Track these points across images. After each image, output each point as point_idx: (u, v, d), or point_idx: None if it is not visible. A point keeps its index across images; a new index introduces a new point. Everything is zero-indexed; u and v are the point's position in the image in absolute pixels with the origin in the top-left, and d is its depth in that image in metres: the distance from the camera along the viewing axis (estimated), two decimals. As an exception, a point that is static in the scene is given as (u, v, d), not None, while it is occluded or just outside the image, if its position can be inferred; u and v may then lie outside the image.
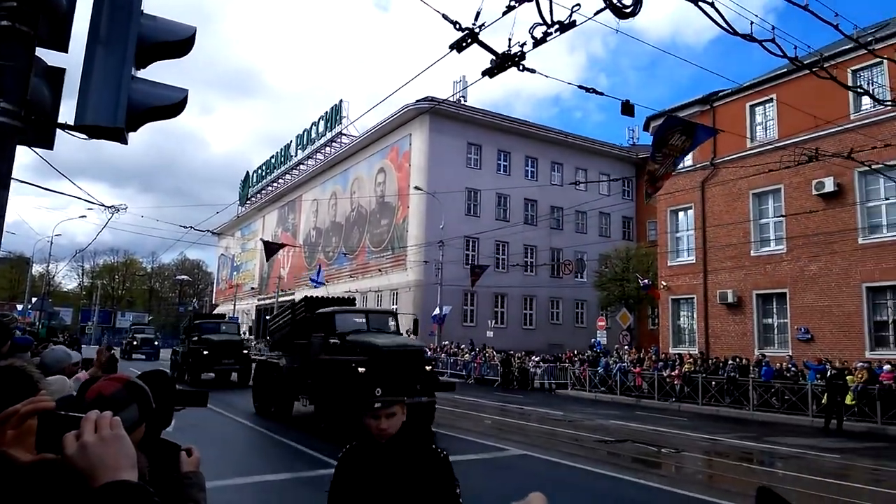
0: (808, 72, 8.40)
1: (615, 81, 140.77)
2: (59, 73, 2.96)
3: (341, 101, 44.77)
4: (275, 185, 56.77)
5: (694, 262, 24.99)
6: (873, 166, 13.16)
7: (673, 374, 20.66)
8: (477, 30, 5.86)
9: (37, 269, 56.42)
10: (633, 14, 5.30)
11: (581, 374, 24.21)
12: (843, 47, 16.73)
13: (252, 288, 60.30)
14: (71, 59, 3.06)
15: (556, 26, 5.64)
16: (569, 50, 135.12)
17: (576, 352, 27.81)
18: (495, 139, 37.29)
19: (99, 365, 5.38)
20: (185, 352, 22.80)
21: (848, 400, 15.55)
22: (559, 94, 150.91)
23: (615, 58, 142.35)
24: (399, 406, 2.47)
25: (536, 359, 27.28)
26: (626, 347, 25.90)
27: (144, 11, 3.08)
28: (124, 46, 2.93)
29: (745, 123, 23.08)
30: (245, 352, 22.62)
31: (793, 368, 18.70)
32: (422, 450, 2.42)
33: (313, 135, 48.00)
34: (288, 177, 54.17)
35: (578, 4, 5.62)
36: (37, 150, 4.49)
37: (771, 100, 22.65)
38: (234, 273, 66.91)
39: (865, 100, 18.35)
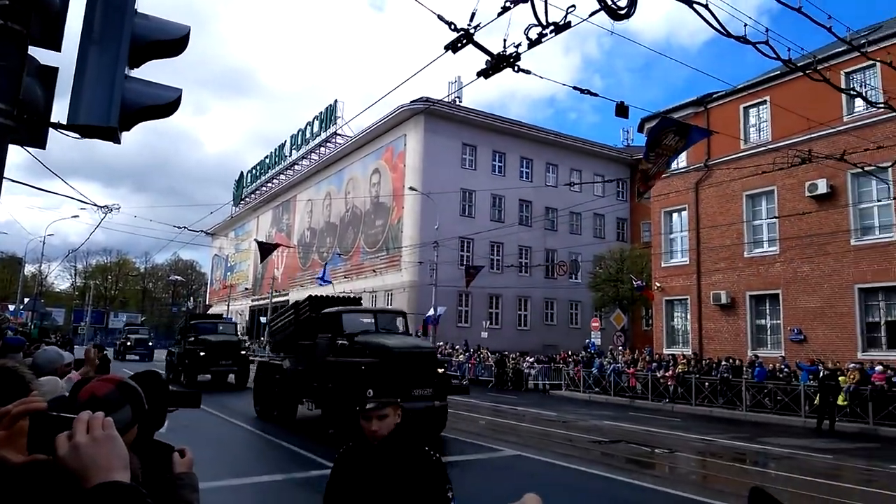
0: (801, 74, 8.44)
1: (610, 83, 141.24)
2: (51, 72, 2.95)
3: (336, 101, 44.77)
4: (269, 185, 56.65)
5: (687, 263, 25.08)
6: (866, 168, 13.23)
7: (667, 374, 20.72)
8: (472, 30, 5.86)
9: (29, 269, 56.10)
10: (628, 16, 5.31)
11: (575, 375, 24.25)
12: (836, 50, 16.85)
13: (246, 288, 60.15)
14: (64, 58, 3.04)
15: (551, 27, 5.65)
16: (564, 51, 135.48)
17: (570, 353, 27.86)
18: (490, 140, 37.33)
19: (91, 365, 5.35)
20: (181, 353, 22.38)
21: (840, 401, 15.63)
22: (554, 95, 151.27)
23: (610, 59, 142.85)
24: (391, 408, 2.47)
25: (531, 360, 27.32)
26: (620, 348, 25.98)
27: (138, 10, 3.07)
28: (118, 45, 2.92)
29: (738, 125, 23.18)
30: (243, 353, 22.23)
31: (785, 369, 18.79)
32: (414, 452, 2.42)
33: (308, 135, 47.94)
34: (282, 177, 54.07)
35: (573, 6, 5.64)
36: (29, 149, 4.47)
37: (764, 102, 22.76)
38: (228, 273, 66.71)
39: (858, 102, 18.45)
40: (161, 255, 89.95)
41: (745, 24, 6.75)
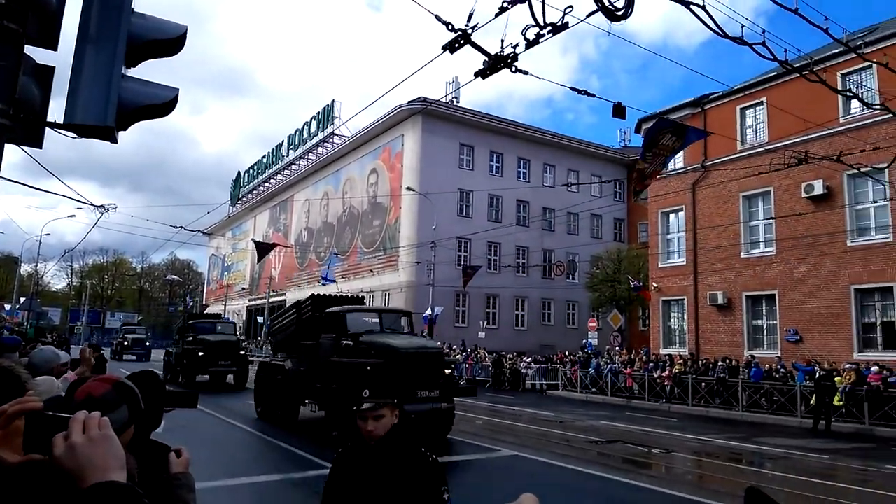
0: (798, 75, 8.47)
1: (607, 83, 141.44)
2: (48, 72, 2.94)
3: (333, 101, 44.76)
4: (266, 185, 56.59)
5: (684, 263, 25.12)
6: (862, 169, 13.26)
7: (663, 375, 20.75)
8: (470, 31, 5.86)
9: (25, 268, 55.97)
10: (625, 17, 5.32)
11: (572, 375, 24.27)
12: (833, 51, 16.89)
13: (243, 288, 60.06)
14: (60, 58, 3.04)
15: (549, 28, 5.66)
16: (561, 52, 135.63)
17: (567, 353, 27.88)
18: (488, 140, 37.34)
19: (87, 365, 5.33)
20: (180, 353, 22.02)
21: (836, 401, 15.66)
22: (551, 96, 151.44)
23: (607, 60, 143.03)
24: (388, 409, 2.47)
25: (528, 360, 27.32)
26: (616, 348, 26.00)
27: (135, 9, 3.06)
28: (114, 45, 2.92)
29: (735, 126, 23.23)
30: (242, 353, 21.91)
31: (782, 369, 18.83)
32: (410, 453, 2.41)
33: (305, 135, 47.91)
34: (279, 177, 54.01)
35: (571, 6, 5.64)
36: (26, 148, 4.46)
37: (761, 103, 22.81)
38: (225, 273, 66.61)
39: (854, 103, 18.51)
40: (158, 255, 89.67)
41: (742, 26, 6.77)
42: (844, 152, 11.94)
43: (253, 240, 42.14)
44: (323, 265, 43.86)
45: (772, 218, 21.77)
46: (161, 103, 3.14)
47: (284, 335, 14.63)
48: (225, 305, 56.22)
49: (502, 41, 6.05)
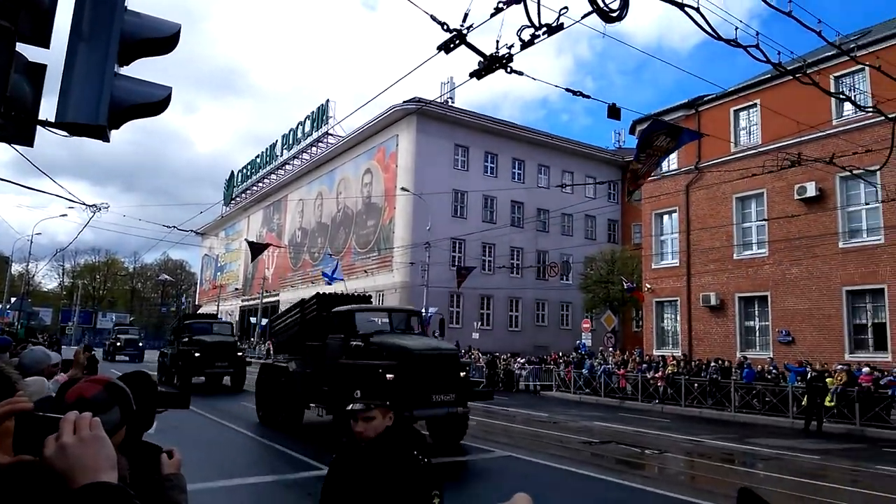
0: (791, 78, 8.51)
1: (602, 85, 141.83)
2: (40, 69, 2.92)
3: (328, 100, 44.68)
4: (260, 185, 56.42)
5: (678, 264, 25.21)
6: (854, 171, 13.33)
7: (656, 375, 20.81)
8: (465, 31, 5.86)
9: (16, 268, 55.52)
10: (620, 18, 5.33)
11: (566, 376, 24.31)
12: (826, 54, 17.01)
13: (236, 289, 59.87)
14: (52, 55, 3.01)
15: (544, 29, 5.66)
16: (556, 53, 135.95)
17: (561, 354, 27.92)
18: (482, 141, 37.37)
19: (80, 368, 5.30)
20: (175, 354, 21.47)
21: (827, 402, 15.75)
22: (546, 97, 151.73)
23: (602, 61, 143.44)
24: (380, 411, 2.46)
25: (522, 360, 27.35)
26: (610, 349, 26.06)
27: (128, 8, 3.05)
28: (107, 43, 2.90)
29: (729, 128, 23.34)
30: (239, 354, 21.23)
31: (774, 370, 18.92)
32: (402, 456, 2.39)
33: (299, 135, 47.80)
34: (273, 177, 53.87)
35: (566, 7, 5.65)
36: (17, 147, 4.42)
37: (755, 105, 22.92)
38: (218, 274, 66.38)
39: (847, 106, 18.63)
40: (150, 255, 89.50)
41: (736, 28, 6.80)
42: (837, 154, 12.01)
43: (246, 240, 42.06)
44: (318, 265, 43.81)
45: (765, 220, 21.88)
46: (154, 102, 3.13)
47: (287, 336, 14.13)
48: (218, 306, 56.00)
49: (497, 42, 6.05)
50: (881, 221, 19.30)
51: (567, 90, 7.58)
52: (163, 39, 3.18)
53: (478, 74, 6.26)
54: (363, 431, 2.43)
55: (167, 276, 78.43)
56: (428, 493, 2.30)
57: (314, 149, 46.61)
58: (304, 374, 12.03)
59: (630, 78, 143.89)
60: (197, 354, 19.87)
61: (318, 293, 13.46)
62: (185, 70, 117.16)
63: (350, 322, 11.29)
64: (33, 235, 39.90)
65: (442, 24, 5.81)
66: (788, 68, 8.08)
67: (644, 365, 22.21)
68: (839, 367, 16.89)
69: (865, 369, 16.43)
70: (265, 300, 48.39)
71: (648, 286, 26.18)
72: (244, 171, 58.90)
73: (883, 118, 9.68)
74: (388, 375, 9.31)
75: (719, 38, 6.37)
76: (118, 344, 38.44)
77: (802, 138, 19.18)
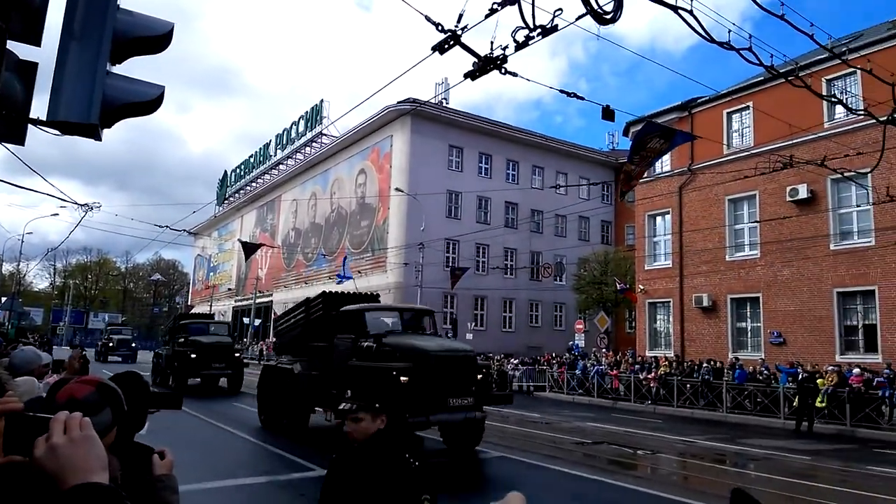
0: (783, 80, 8.56)
1: (595, 86, 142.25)
2: (31, 68, 2.90)
3: (322, 101, 44.60)
4: (253, 184, 56.25)
5: (670, 266, 25.30)
6: (845, 174, 13.43)
7: (649, 376, 20.87)
8: (459, 32, 5.86)
9: (7, 267, 55.12)
10: (614, 20, 5.34)
11: (559, 377, 24.35)
12: (818, 57, 17.10)
13: (229, 289, 59.65)
14: (44, 54, 2.99)
15: (538, 30, 5.67)
16: (550, 54, 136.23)
17: (554, 354, 27.97)
18: (477, 142, 37.40)
19: (72, 372, 5.27)
20: (170, 355, 20.93)
21: (818, 402, 15.85)
22: (540, 99, 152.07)
23: (596, 63, 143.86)
24: (368, 414, 2.46)
25: (515, 361, 27.37)
26: (603, 350, 26.11)
27: (121, 6, 3.03)
28: (99, 41, 2.88)
29: (722, 130, 23.45)
30: (237, 356, 20.74)
31: (765, 371, 19.02)
32: (392, 458, 2.38)
33: (293, 135, 47.68)
34: (267, 177, 53.72)
35: (560, 9, 5.66)
36: (8, 145, 4.39)
37: (747, 107, 23.05)
38: (211, 274, 66.11)
39: (839, 109, 18.77)
40: (142, 255, 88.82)
41: (729, 31, 6.84)
42: (828, 157, 12.09)
43: (239, 240, 41.89)
44: (311, 265, 43.72)
45: (757, 221, 21.99)
46: (146, 101, 3.11)
47: (291, 336, 13.58)
48: (211, 306, 55.79)
49: (492, 43, 6.06)
50: (872, 223, 19.44)
51: (561, 91, 7.60)
52: (156, 38, 3.16)
53: (472, 75, 6.26)
54: (351, 432, 2.45)
55: (160, 276, 77.98)
56: (418, 496, 2.29)
57: (308, 149, 46.51)
58: (309, 376, 11.46)
59: (624, 80, 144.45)
60: (193, 355, 19.39)
61: (324, 292, 12.89)
62: (178, 69, 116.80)
63: (360, 322, 10.78)
64: (24, 235, 39.62)
65: (436, 24, 5.82)
66: (781, 71, 8.12)
67: (637, 366, 22.28)
68: (830, 368, 16.99)
69: (856, 370, 16.54)
70: (258, 301, 48.24)
71: (641, 287, 26.27)
72: (237, 170, 58.69)
73: (874, 121, 9.75)
74: (402, 378, 8.94)
75: (712, 40, 6.40)
76: (111, 344, 37.93)
77: (794, 141, 19.30)
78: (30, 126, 2.91)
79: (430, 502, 2.30)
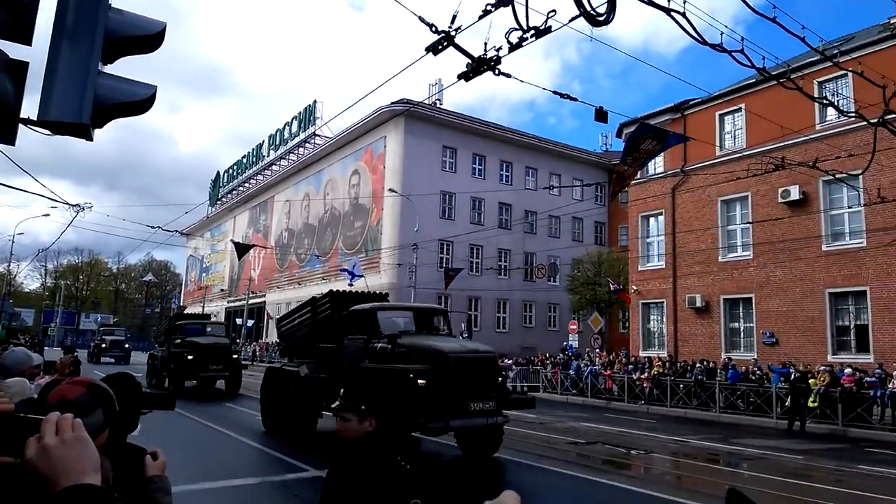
0: (775, 83, 8.61)
1: (589, 88, 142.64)
2: (21, 67, 2.87)
3: (315, 101, 44.58)
4: (246, 185, 56.09)
5: (664, 267, 25.39)
6: (837, 175, 13.51)
7: (642, 377, 20.93)
8: (453, 33, 5.87)
9: (-3, 268, 54.72)
10: (607, 22, 5.36)
11: (553, 377, 24.38)
12: (810, 59, 17.20)
13: (221, 290, 59.42)
14: (35, 53, 2.98)
15: (532, 31, 5.68)
16: (543, 56, 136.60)
17: (548, 355, 28.01)
18: (470, 143, 37.43)
19: (63, 374, 5.24)
20: (166, 356, 20.43)
21: (811, 402, 15.93)
22: (533, 100, 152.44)
23: (589, 65, 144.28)
24: (354, 415, 2.45)
25: (509, 362, 27.37)
26: (597, 350, 26.18)
27: (112, 5, 3.01)
28: (91, 40, 2.87)
29: (714, 132, 23.56)
30: (235, 357, 20.18)
31: (758, 371, 19.10)
32: (383, 461, 2.36)
33: (286, 135, 47.59)
34: (260, 177, 53.58)
35: (554, 10, 5.68)
36: (-2, 145, 4.36)
37: (739, 109, 23.18)
38: (203, 275, 65.86)
39: (830, 111, 18.90)
40: (134, 256, 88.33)
41: (721, 33, 6.87)
42: (820, 158, 12.16)
43: (232, 240, 41.70)
44: (305, 266, 43.60)
45: (749, 222, 22.11)
46: (138, 101, 3.10)
47: (296, 338, 13.03)
48: (203, 307, 55.55)
49: (485, 44, 6.07)
50: (863, 225, 19.58)
51: (554, 93, 7.62)
52: (147, 37, 3.15)
53: (466, 76, 6.26)
54: (340, 431, 2.45)
55: (153, 277, 77.59)
56: (406, 500, 2.27)
57: (301, 149, 46.44)
58: (317, 379, 10.90)
59: (617, 81, 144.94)
60: (190, 357, 18.91)
61: (331, 290, 12.41)
62: (170, 68, 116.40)
63: (372, 322, 10.29)
64: (15, 235, 39.33)
65: (430, 25, 5.82)
66: (773, 73, 8.17)
67: (630, 366, 22.33)
68: (822, 368, 17.08)
69: (848, 370, 16.63)
70: (251, 301, 48.07)
71: (635, 288, 26.35)
72: (230, 171, 58.51)
73: (865, 123, 9.82)
74: (419, 381, 8.54)
75: (705, 42, 6.43)
76: (103, 346, 37.48)
77: (786, 142, 19.42)
78: (20, 126, 2.89)
79: None
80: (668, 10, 5.97)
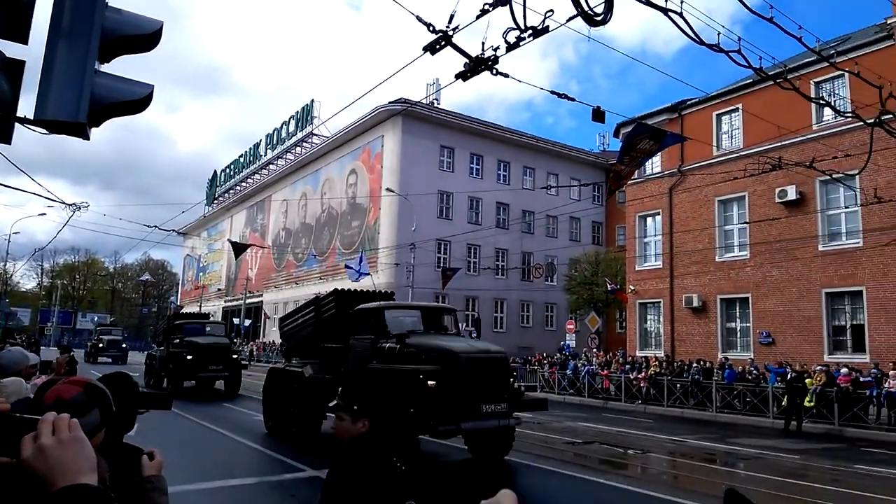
0: (772, 83, 8.63)
1: (586, 88, 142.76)
2: (18, 66, 2.86)
3: (313, 100, 44.52)
4: (243, 184, 56.01)
5: (661, 266, 25.43)
6: (834, 175, 13.55)
7: (639, 376, 20.95)
8: (451, 32, 5.87)
9: (-7, 267, 54.53)
10: (604, 22, 5.36)
11: (550, 377, 24.40)
12: (807, 59, 17.24)
13: (219, 289, 59.34)
14: (31, 51, 2.97)
15: (529, 31, 5.69)
16: (541, 56, 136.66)
17: (545, 354, 28.03)
18: (468, 142, 37.43)
19: (59, 373, 5.23)
20: (165, 356, 20.17)
21: (807, 402, 15.97)
22: (531, 100, 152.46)
23: (587, 65, 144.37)
24: (347, 415, 2.45)
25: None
26: (594, 350, 26.20)
27: (109, 4, 3.01)
28: (88, 39, 2.86)
29: (711, 132, 23.60)
30: (235, 357, 19.93)
31: (754, 371, 19.15)
32: (378, 462, 2.36)
33: (284, 134, 47.53)
34: (257, 176, 53.51)
35: (551, 10, 5.68)
36: (-5, 144, 4.35)
37: (737, 109, 23.22)
38: (201, 274, 65.75)
39: (827, 111, 18.93)
40: (131, 255, 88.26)
41: (719, 33, 6.88)
42: (817, 159, 12.21)
43: (229, 240, 41.68)
44: (302, 265, 43.54)
45: (746, 222, 22.16)
46: (135, 100, 3.09)
47: (299, 338, 12.83)
48: (200, 306, 55.46)
49: (483, 43, 6.07)
50: (860, 225, 19.63)
51: (552, 93, 7.62)
52: (144, 36, 3.14)
53: (463, 76, 6.27)
54: (335, 430, 2.46)
55: (150, 277, 77.39)
56: (401, 501, 2.26)
57: (299, 149, 46.38)
58: (322, 379, 10.68)
59: (615, 81, 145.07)
60: (189, 357, 18.69)
61: (336, 289, 12.22)
62: (168, 67, 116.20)
63: (379, 321, 10.09)
64: (11, 234, 39.27)
65: (428, 25, 5.82)
66: (770, 73, 8.19)
67: (627, 366, 22.36)
68: (818, 367, 17.13)
69: (844, 370, 16.69)
70: (248, 301, 48.01)
71: (632, 288, 26.38)
72: (227, 170, 58.42)
73: (862, 123, 9.84)
74: (430, 382, 8.37)
75: (702, 42, 6.44)
76: (100, 345, 37.30)
77: (783, 142, 19.46)
78: (17, 125, 2.88)
79: None
80: (665, 11, 5.98)
